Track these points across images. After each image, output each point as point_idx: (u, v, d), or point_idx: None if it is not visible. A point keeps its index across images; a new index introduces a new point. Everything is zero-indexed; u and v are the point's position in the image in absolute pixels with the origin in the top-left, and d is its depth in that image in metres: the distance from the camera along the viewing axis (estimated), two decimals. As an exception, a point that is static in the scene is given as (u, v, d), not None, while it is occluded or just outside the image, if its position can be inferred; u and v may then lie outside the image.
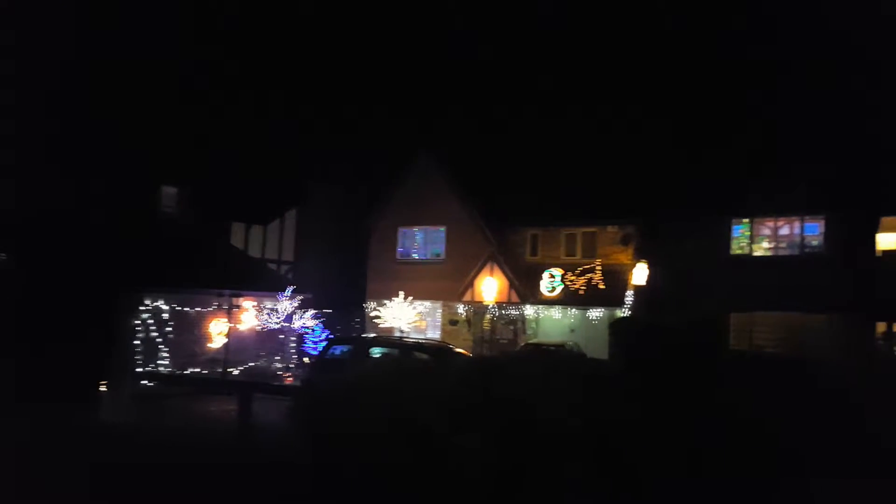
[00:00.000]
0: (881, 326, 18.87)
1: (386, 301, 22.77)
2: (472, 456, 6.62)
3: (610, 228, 22.10)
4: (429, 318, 24.07)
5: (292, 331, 20.04)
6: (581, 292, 21.47)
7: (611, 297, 21.05)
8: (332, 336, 19.59)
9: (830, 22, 21.18)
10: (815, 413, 8.24)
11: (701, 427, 7.36)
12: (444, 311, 23.57)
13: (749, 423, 7.63)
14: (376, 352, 15.31)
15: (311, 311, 20.30)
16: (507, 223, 23.28)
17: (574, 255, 22.57)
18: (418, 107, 27.64)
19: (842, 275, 18.66)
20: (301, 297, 19.98)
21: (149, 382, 16.13)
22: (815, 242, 19.69)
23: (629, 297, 21.14)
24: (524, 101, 26.19)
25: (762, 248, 20.50)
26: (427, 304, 23.65)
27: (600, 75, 26.60)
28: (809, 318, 19.34)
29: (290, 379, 19.10)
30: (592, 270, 21.60)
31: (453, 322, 23.08)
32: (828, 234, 19.42)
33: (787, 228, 20.13)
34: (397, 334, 21.84)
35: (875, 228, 19.10)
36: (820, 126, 19.31)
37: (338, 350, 15.52)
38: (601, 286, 21.29)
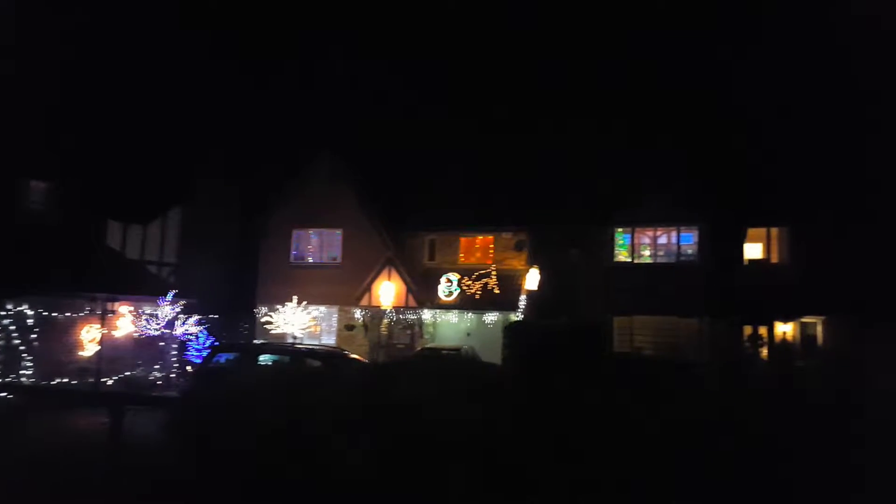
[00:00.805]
0: (748, 329, 20.51)
1: (279, 306, 22.02)
2: (360, 467, 6.48)
3: (505, 234, 22.63)
4: (324, 324, 23.54)
5: (174, 338, 18.91)
6: (477, 297, 21.81)
7: (505, 301, 21.53)
8: (217, 343, 18.65)
9: (706, 39, 22.86)
10: (683, 409, 8.80)
11: (584, 425, 7.62)
12: (340, 315, 23.14)
13: (628, 419, 7.99)
14: (266, 359, 14.75)
15: (195, 317, 19.26)
16: (405, 228, 23.28)
17: (471, 261, 22.92)
18: (317, 106, 27.03)
19: (713, 281, 20.16)
20: (184, 301, 18.92)
21: (8, 395, 14.62)
22: (689, 251, 21.14)
23: (523, 301, 21.72)
24: (424, 105, 26.23)
25: (643, 256, 21.73)
26: (322, 308, 23.12)
27: (501, 83, 27.24)
28: (684, 322, 20.75)
29: (170, 389, 18.00)
30: (488, 275, 22.01)
31: (349, 327, 22.71)
32: (701, 244, 20.91)
33: (664, 238, 21.48)
34: (290, 340, 21.18)
35: (742, 239, 20.80)
36: (695, 141, 20.78)
37: (223, 358, 14.79)
38: (496, 291, 21.74)
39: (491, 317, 21.48)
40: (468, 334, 22.02)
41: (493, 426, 6.53)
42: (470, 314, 22.04)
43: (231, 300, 22.89)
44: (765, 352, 20.11)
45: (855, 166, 19.15)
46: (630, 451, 6.97)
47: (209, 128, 24.85)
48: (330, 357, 14.22)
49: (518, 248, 22.44)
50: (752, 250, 20.98)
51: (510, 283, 21.92)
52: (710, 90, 21.88)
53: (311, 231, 23.98)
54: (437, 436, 6.38)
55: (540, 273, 22.42)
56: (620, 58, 23.93)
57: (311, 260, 24.00)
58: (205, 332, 19.56)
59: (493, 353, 19.54)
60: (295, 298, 21.74)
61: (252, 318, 23.48)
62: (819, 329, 20.26)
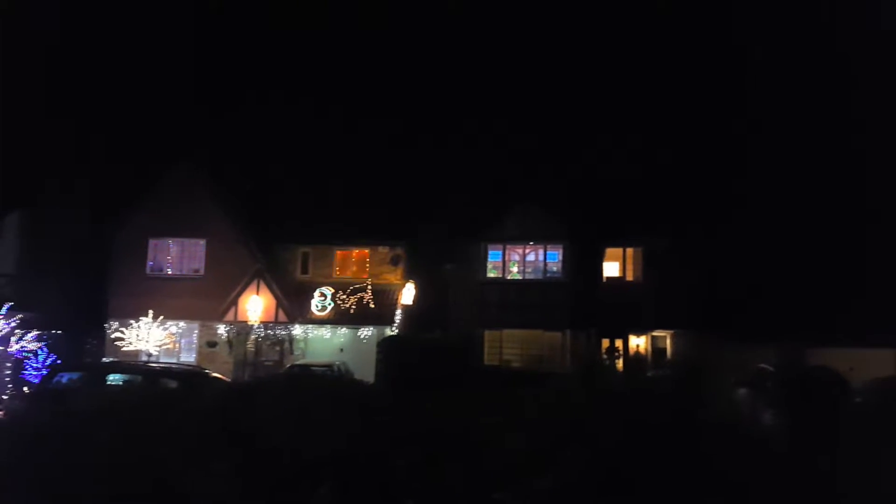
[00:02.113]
0: (606, 342, 21.84)
1: (132, 321, 20.33)
2: (217, 494, 6.05)
3: (381, 249, 22.53)
4: (184, 340, 22.04)
5: (8, 355, 16.84)
6: (352, 311, 21.47)
7: (380, 316, 21.38)
8: (59, 361, 16.86)
9: (581, 67, 24.33)
10: (549, 419, 9.16)
11: (449, 437, 7.68)
12: (201, 331, 21.77)
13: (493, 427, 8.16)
14: (115, 379, 13.55)
15: (34, 333, 17.29)
16: (277, 240, 22.44)
17: (345, 274, 22.55)
18: (183, 112, 25.45)
19: (576, 297, 21.31)
20: (21, 315, 16.92)
21: None
22: (555, 268, 22.20)
23: (398, 315, 21.69)
24: (301, 116, 25.61)
25: (512, 273, 22.51)
26: (182, 324, 21.65)
27: (380, 99, 27.25)
28: (548, 335, 21.72)
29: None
30: (364, 290, 21.76)
31: (212, 344, 21.43)
32: (565, 261, 22.04)
33: (532, 255, 22.42)
34: (144, 358, 19.62)
35: (601, 258, 22.19)
36: (562, 164, 22.03)
37: (65, 378, 13.37)
38: (371, 305, 21.53)
39: (365, 332, 21.23)
40: (341, 350, 21.58)
41: (360, 443, 6.38)
42: (344, 329, 21.64)
43: (78, 314, 20.80)
44: (620, 363, 21.51)
45: (701, 195, 21.18)
46: (494, 459, 7.08)
47: (55, 125, 22.63)
48: (187, 376, 13.30)
49: (394, 262, 22.43)
50: (611, 269, 22.42)
51: (386, 298, 21.81)
52: (577, 118, 23.32)
53: (170, 240, 22.40)
54: (299, 455, 6.11)
55: (415, 288, 22.56)
56: (496, 80, 24.87)
57: (170, 271, 22.40)
58: (45, 349, 17.60)
59: (367, 369, 19.33)
60: (151, 313, 20.19)
61: (102, 335, 21.49)
62: (668, 342, 21.99)
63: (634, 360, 21.83)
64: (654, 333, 21.96)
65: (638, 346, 21.98)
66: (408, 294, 22.14)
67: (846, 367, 17.42)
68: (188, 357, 21.72)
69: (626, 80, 23.57)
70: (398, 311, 21.66)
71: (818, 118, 22.50)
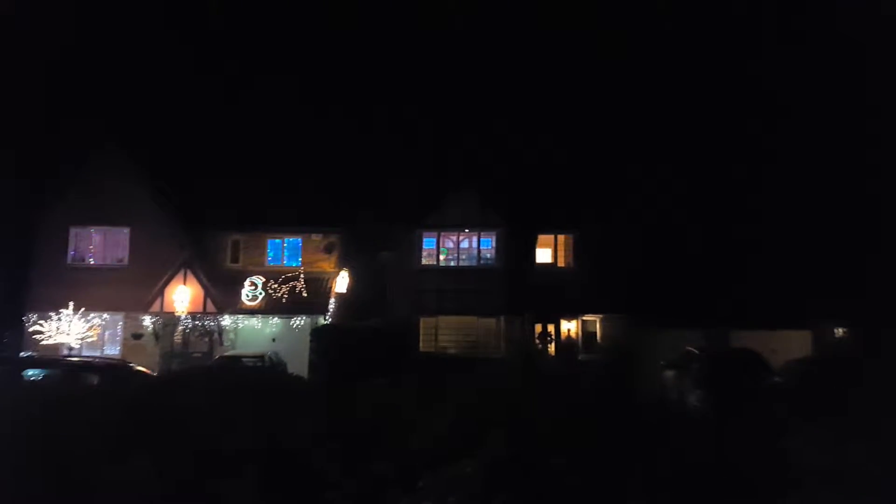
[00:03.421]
0: (539, 327, 22.37)
1: (52, 313, 19.39)
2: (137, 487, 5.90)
3: (314, 236, 22.22)
4: (108, 332, 21.19)
5: None
6: (284, 300, 21.13)
7: (314, 305, 21.12)
8: (-31, 357, 15.96)
9: (517, 56, 24.51)
10: (481, 404, 9.38)
11: (381, 423, 7.73)
12: (126, 323, 20.97)
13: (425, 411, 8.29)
14: (32, 374, 12.98)
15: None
16: (205, 227, 21.74)
17: (278, 263, 22.15)
18: (106, 94, 24.04)
19: (509, 283, 21.72)
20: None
21: None
22: (489, 255, 22.52)
23: (332, 304, 21.50)
24: (230, 99, 24.76)
25: (447, 259, 22.69)
26: (106, 316, 20.79)
27: (314, 86, 26.60)
28: (484, 321, 22.07)
29: None
30: (296, 278, 21.44)
31: (137, 336, 20.68)
32: (498, 248, 22.39)
33: (466, 242, 22.66)
34: (65, 352, 18.78)
35: (534, 244, 22.66)
36: (494, 152, 22.25)
37: (-24, 374, 12.71)
38: (304, 294, 21.24)
39: (298, 321, 20.95)
40: (273, 340, 21.23)
41: (284, 435, 6.34)
42: (276, 319, 21.28)
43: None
44: (552, 347, 22.10)
45: (633, 185, 21.84)
46: (422, 446, 7.19)
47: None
48: (109, 370, 12.87)
49: (327, 250, 22.18)
50: (543, 255, 22.93)
51: (319, 287, 21.57)
52: (511, 107, 23.57)
53: (92, 229, 21.42)
54: (222, 448, 6.03)
55: (349, 276, 22.42)
56: (432, 68, 24.80)
57: (92, 261, 21.44)
58: (-49, 344, 16.59)
59: (300, 358, 19.11)
60: (71, 304, 19.30)
61: (20, 328, 20.38)
62: (598, 326, 22.71)
63: (566, 344, 22.48)
64: (585, 318, 22.63)
65: (569, 330, 22.62)
66: (342, 282, 21.99)
67: (768, 348, 18.50)
68: (112, 350, 20.90)
69: (559, 67, 23.96)
70: (332, 300, 21.49)
71: (739, 101, 23.42)
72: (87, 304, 19.73)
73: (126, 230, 21.26)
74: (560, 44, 24.81)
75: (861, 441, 6.87)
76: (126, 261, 21.30)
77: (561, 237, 22.78)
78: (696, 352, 18.14)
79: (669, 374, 18.35)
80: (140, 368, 14.64)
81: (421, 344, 21.71)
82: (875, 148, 21.12)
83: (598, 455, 7.02)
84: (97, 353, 20.08)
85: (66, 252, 21.31)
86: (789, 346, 19.75)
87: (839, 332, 21.88)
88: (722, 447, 8.04)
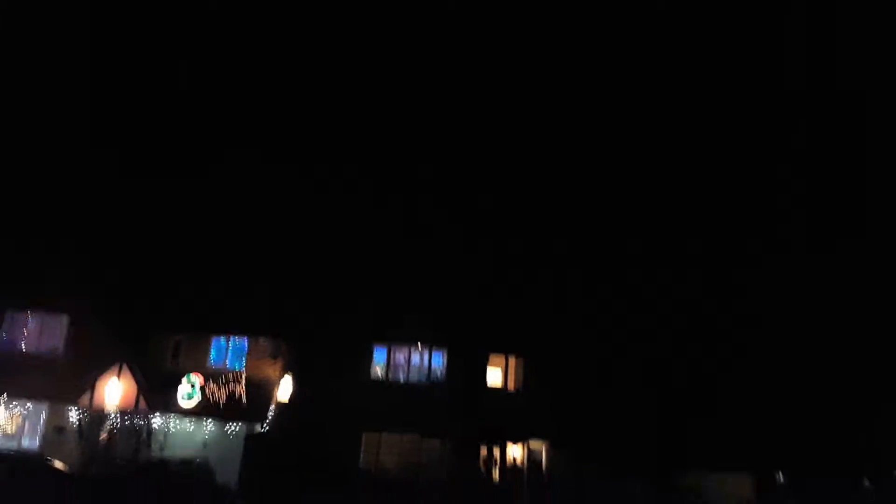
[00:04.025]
0: (485, 451, 21.75)
1: (-29, 397, 18.25)
2: None
3: (262, 340, 21.77)
4: (30, 422, 19.88)
5: None
6: (221, 404, 20.29)
7: (253, 410, 20.32)
8: None
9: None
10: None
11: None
12: (50, 414, 19.75)
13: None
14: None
15: None
16: (148, 323, 21.19)
17: (220, 365, 21.49)
18: (57, 176, 23.81)
19: (457, 403, 21.36)
20: None
21: None
22: (439, 372, 22.26)
23: (272, 411, 20.73)
24: (186, 193, 24.72)
25: (397, 374, 22.32)
26: (30, 405, 19.62)
27: (267, 184, 26.68)
28: (428, 443, 21.42)
29: None
30: (237, 381, 20.75)
31: (59, 429, 19.43)
32: (449, 366, 22.18)
33: (417, 358, 22.44)
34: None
35: (485, 364, 22.53)
36: (452, 268, 22.63)
37: None
38: (244, 399, 20.47)
39: (234, 427, 20.03)
40: (205, 445, 20.16)
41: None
42: (210, 423, 20.31)
43: None
44: (496, 473, 21.41)
45: (588, 314, 22.26)
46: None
47: None
48: (21, 464, 12.02)
49: (273, 355, 21.68)
50: (493, 376, 22.76)
51: (261, 391, 20.87)
52: (472, 228, 24.28)
53: (28, 314, 20.65)
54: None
55: (293, 383, 21.79)
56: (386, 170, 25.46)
57: (24, 347, 20.49)
58: None
59: (231, 466, 18.17)
60: (-7, 389, 18.24)
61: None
62: (543, 454, 22.22)
63: (511, 470, 21.83)
64: (532, 446, 22.16)
65: (515, 458, 22.04)
66: (285, 388, 21.35)
67: (714, 492, 18.23)
68: (31, 443, 19.52)
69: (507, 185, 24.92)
70: (272, 407, 20.74)
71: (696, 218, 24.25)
72: (12, 390, 18.66)
73: (64, 318, 20.56)
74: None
75: None
76: (60, 350, 20.42)
77: (512, 359, 22.75)
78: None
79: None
80: (58, 465, 13.70)
81: (361, 460, 20.87)
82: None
83: None
84: (13, 445, 18.75)
85: (-2, 334, 20.41)
86: (734, 489, 19.56)
87: (779, 477, 21.80)
88: None
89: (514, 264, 23.65)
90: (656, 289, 23.12)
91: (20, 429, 19.59)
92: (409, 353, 22.46)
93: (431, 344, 22.21)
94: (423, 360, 22.41)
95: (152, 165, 25.42)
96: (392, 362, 22.42)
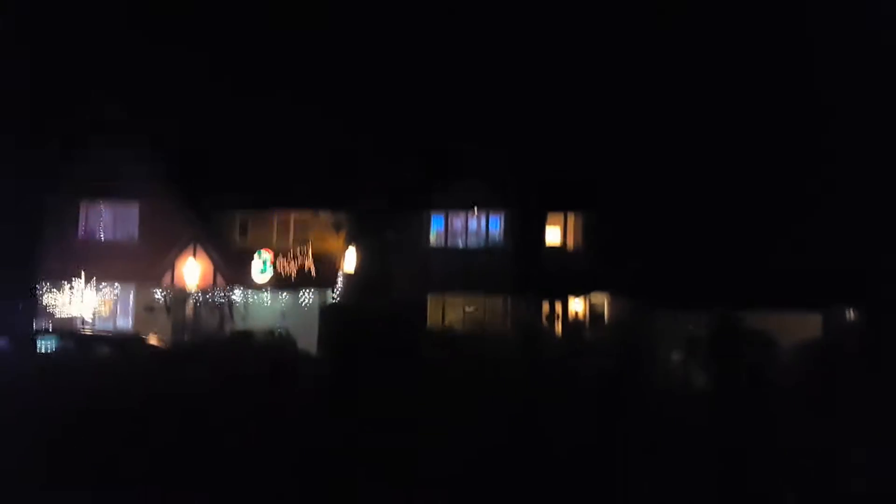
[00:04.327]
0: (546, 307, 22.38)
1: (66, 285, 19.65)
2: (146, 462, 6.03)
3: (322, 214, 22.25)
4: (120, 304, 21.46)
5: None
6: (293, 278, 21.25)
7: (322, 282, 21.24)
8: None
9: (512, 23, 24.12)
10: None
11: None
12: (138, 296, 21.20)
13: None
14: (46, 344, 13.26)
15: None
16: (214, 202, 21.79)
17: (286, 240, 22.22)
18: (115, 72, 23.77)
19: (517, 262, 21.68)
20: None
21: None
22: (497, 235, 22.47)
23: (340, 282, 21.61)
24: (241, 76, 24.51)
25: (455, 239, 22.65)
26: (118, 288, 21.02)
27: (320, 64, 26.18)
28: (491, 301, 22.10)
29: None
30: (304, 255, 21.52)
31: (149, 309, 20.91)
32: (507, 228, 22.32)
33: (475, 222, 22.60)
34: (78, 323, 19.05)
35: (543, 223, 22.57)
36: (500, 129, 22.09)
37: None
38: (313, 272, 21.34)
39: (307, 298, 21.08)
40: (283, 316, 21.38)
41: (292, 411, 6.45)
42: (285, 295, 21.42)
43: (4, 279, 19.91)
44: (559, 326, 22.14)
45: (644, 164, 21.68)
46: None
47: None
48: (122, 343, 13.06)
49: (336, 228, 22.21)
50: (552, 234, 22.85)
51: (327, 264, 21.66)
52: (523, 88, 23.37)
53: (103, 203, 21.57)
54: (230, 424, 6.14)
55: (358, 254, 22.48)
56: (438, 44, 24.44)
57: (103, 235, 21.61)
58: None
59: (310, 335, 19.26)
60: (83, 276, 19.53)
61: (33, 299, 20.69)
62: (606, 307, 22.71)
63: (573, 324, 22.50)
64: (593, 299, 22.62)
65: (577, 312, 22.63)
66: (350, 260, 22.07)
67: (778, 330, 18.41)
68: (124, 322, 21.16)
69: (563, 40, 23.64)
70: (340, 277, 21.59)
71: (748, 86, 23.15)
72: (99, 276, 19.97)
73: (135, 205, 21.40)
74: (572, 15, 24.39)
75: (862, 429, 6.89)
76: (136, 236, 21.47)
77: (571, 217, 22.66)
78: (704, 333, 18.12)
79: (674, 354, 18.39)
80: (152, 341, 14.85)
81: (428, 322, 21.80)
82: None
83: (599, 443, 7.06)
84: (109, 325, 20.34)
85: (76, 226, 21.50)
86: (799, 328, 19.66)
87: (851, 315, 21.77)
88: (726, 430, 8.09)
89: (566, 123, 22.89)
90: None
91: (113, 311, 21.20)
92: (467, 218, 22.62)
93: (488, 208, 22.23)
94: (481, 225, 22.59)
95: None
96: (450, 228, 22.68)
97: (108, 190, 21.22)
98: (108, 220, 21.72)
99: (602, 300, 22.59)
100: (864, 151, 20.92)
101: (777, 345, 16.63)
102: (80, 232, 21.56)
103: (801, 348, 17.03)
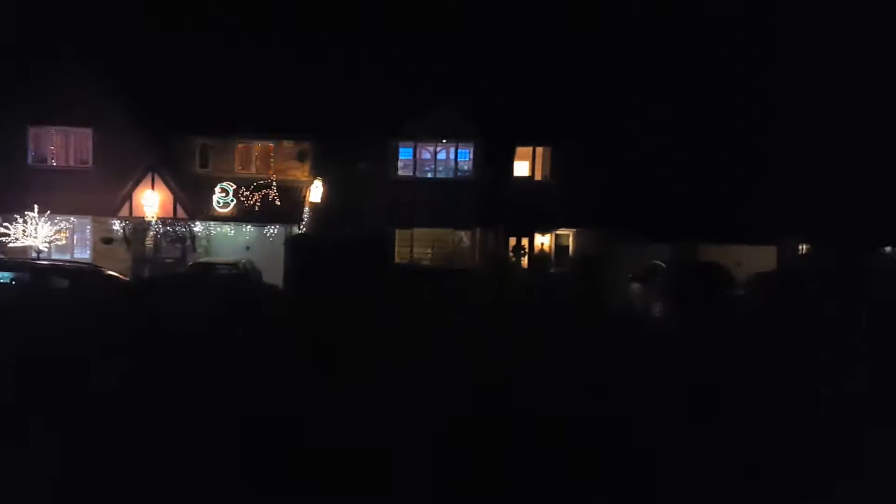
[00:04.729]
0: (513, 240, 22.54)
1: (17, 216, 18.88)
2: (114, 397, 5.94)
3: (286, 143, 21.64)
4: (77, 236, 20.81)
5: None
6: (257, 209, 20.81)
7: (287, 213, 20.87)
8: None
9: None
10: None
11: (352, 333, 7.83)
12: (95, 227, 20.56)
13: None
14: (0, 277, 12.84)
15: None
16: (172, 129, 20.90)
17: (249, 170, 21.63)
18: None
19: (485, 196, 21.63)
20: None
21: None
22: (465, 167, 22.28)
23: (306, 213, 21.28)
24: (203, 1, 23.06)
25: (423, 170, 22.38)
26: (73, 219, 20.33)
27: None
28: (459, 234, 22.17)
29: None
30: (268, 186, 21.03)
31: (107, 240, 20.33)
32: (476, 160, 22.13)
33: (444, 153, 22.31)
34: (33, 255, 18.45)
35: (511, 157, 22.43)
36: (472, 63, 21.55)
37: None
38: (277, 202, 20.92)
39: (272, 230, 20.76)
40: (247, 248, 21.10)
41: (259, 340, 6.39)
42: (249, 227, 21.03)
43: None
44: (525, 260, 22.40)
45: (611, 99, 21.50)
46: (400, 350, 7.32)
47: None
48: (79, 274, 12.72)
49: (300, 158, 21.66)
50: (520, 168, 22.76)
51: (292, 195, 21.24)
52: (487, 17, 22.64)
53: (53, 129, 20.52)
54: (193, 353, 6.06)
55: (324, 185, 22.06)
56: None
57: (55, 163, 20.67)
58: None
59: (275, 267, 19.10)
60: (36, 207, 18.79)
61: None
62: (571, 240, 22.99)
63: (539, 257, 22.78)
64: (559, 232, 22.84)
65: (543, 244, 22.86)
66: (316, 192, 21.68)
67: (734, 262, 19.04)
68: (82, 254, 20.58)
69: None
70: (306, 209, 21.25)
71: (723, 22, 22.99)
72: (53, 206, 19.22)
73: (89, 131, 20.42)
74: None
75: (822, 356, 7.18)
76: (90, 163, 20.58)
77: (539, 150, 22.55)
78: (662, 265, 18.63)
79: (636, 286, 18.90)
80: (112, 273, 14.50)
81: (396, 255, 21.79)
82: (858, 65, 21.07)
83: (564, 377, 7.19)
84: (67, 257, 19.78)
85: (26, 152, 20.49)
86: (754, 260, 20.34)
87: (803, 248, 22.55)
88: (684, 358, 8.36)
89: (537, 55, 22.42)
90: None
91: (70, 242, 20.56)
92: (435, 149, 22.30)
93: (457, 139, 21.92)
94: (450, 156, 22.32)
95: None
96: (418, 159, 22.36)
97: (59, 113, 20.11)
98: (60, 147, 20.72)
99: (568, 234, 22.84)
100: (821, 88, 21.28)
101: (732, 275, 17.27)
102: (31, 158, 20.55)
103: (758, 277, 17.73)
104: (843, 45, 21.55)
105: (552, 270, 22.35)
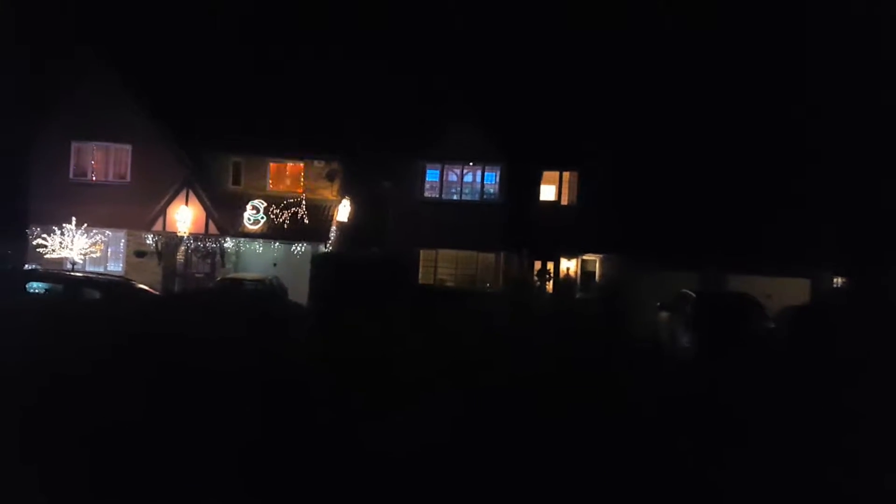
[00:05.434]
0: (538, 264, 22.46)
1: (55, 227, 19.50)
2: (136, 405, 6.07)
3: (317, 163, 22.02)
4: (111, 249, 21.36)
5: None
6: (285, 226, 21.15)
7: (315, 232, 21.16)
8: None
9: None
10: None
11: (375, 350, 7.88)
12: (129, 241, 21.10)
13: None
14: (36, 287, 13.19)
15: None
16: (207, 147, 21.49)
17: (279, 188, 22.04)
18: (110, 10, 23.13)
19: (511, 219, 21.65)
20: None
21: None
22: (492, 190, 22.35)
23: (333, 232, 21.55)
24: (236, 22, 23.90)
25: (450, 192, 22.52)
26: (108, 232, 20.90)
27: (321, 12, 25.61)
28: (483, 256, 22.17)
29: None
30: (298, 205, 21.39)
31: (140, 254, 20.84)
32: (502, 184, 22.19)
33: (470, 176, 22.44)
34: (68, 266, 18.97)
35: (538, 181, 22.44)
36: (501, 86, 21.76)
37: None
38: (306, 221, 21.25)
39: (299, 247, 21.06)
40: (274, 265, 21.42)
41: (278, 361, 6.48)
42: (277, 244, 21.38)
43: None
44: (550, 285, 22.27)
45: (640, 123, 21.45)
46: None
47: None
48: (111, 287, 13.01)
49: (330, 177, 22.01)
50: (547, 192, 22.75)
51: (320, 214, 21.56)
52: (519, 43, 22.89)
53: (93, 144, 21.23)
54: (218, 368, 6.16)
55: (351, 204, 22.35)
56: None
57: (94, 177, 21.34)
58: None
59: (301, 285, 19.33)
60: (74, 219, 19.37)
61: (23, 241, 20.56)
62: (597, 265, 22.81)
63: (564, 282, 22.63)
64: (585, 257, 22.70)
65: (568, 269, 22.73)
66: (343, 210, 21.97)
67: (764, 294, 18.62)
68: (115, 267, 21.10)
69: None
70: (333, 228, 21.52)
71: (752, 38, 22.88)
72: (90, 219, 19.80)
73: (128, 147, 21.06)
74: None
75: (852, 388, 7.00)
76: (128, 178, 21.20)
77: (566, 174, 22.53)
78: (692, 294, 18.30)
79: (664, 315, 18.59)
80: (142, 286, 14.82)
81: (420, 276, 21.88)
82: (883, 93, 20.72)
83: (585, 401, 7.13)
84: (100, 269, 20.29)
85: (68, 167, 21.19)
86: (786, 292, 19.88)
87: (837, 280, 21.99)
88: (711, 389, 8.21)
89: (567, 80, 22.56)
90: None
91: (104, 255, 21.10)
92: (462, 171, 22.45)
93: (484, 161, 22.05)
94: (476, 179, 22.43)
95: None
96: (445, 181, 22.51)
97: (100, 130, 20.81)
98: (99, 162, 21.40)
99: (595, 259, 22.68)
100: (852, 118, 20.92)
101: (763, 307, 16.87)
102: (72, 172, 21.25)
103: (789, 311, 17.30)
104: (884, 70, 21.14)
105: (577, 296, 22.17)
